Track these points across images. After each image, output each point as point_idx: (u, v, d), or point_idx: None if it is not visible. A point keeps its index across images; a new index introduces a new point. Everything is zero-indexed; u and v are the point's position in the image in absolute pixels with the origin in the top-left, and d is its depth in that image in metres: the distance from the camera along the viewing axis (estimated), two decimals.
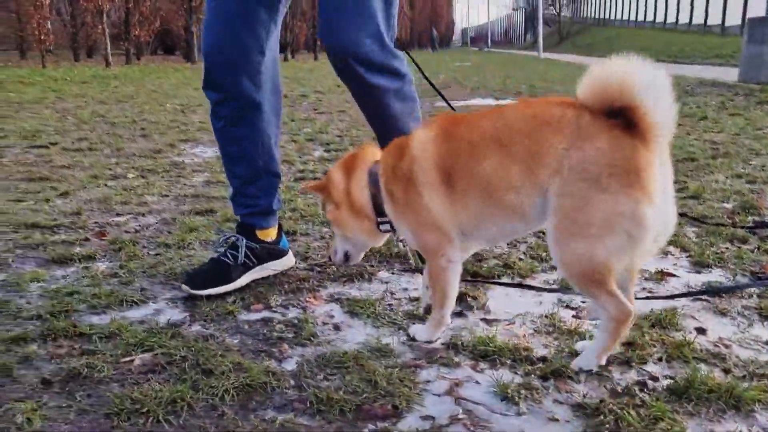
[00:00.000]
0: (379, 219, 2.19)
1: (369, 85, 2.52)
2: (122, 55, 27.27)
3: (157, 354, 2.08)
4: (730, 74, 14.54)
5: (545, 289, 2.63)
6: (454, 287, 2.13)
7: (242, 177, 2.70)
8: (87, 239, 3.34)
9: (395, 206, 2.10)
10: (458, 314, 2.44)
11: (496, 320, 2.39)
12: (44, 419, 1.74)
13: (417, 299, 2.56)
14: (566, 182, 1.77)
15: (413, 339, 2.19)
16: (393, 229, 2.21)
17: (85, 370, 1.98)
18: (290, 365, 2.05)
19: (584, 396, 1.85)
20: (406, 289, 2.67)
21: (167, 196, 4.36)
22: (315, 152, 6.23)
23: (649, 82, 1.70)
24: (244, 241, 2.68)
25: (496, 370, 2.01)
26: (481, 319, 2.40)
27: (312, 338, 2.23)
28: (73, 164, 5.41)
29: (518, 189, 1.84)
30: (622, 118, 1.72)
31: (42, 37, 22.63)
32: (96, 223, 3.66)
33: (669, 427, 1.66)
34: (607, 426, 1.70)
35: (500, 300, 2.56)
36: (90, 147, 6.30)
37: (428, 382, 1.96)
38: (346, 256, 2.36)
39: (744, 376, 1.93)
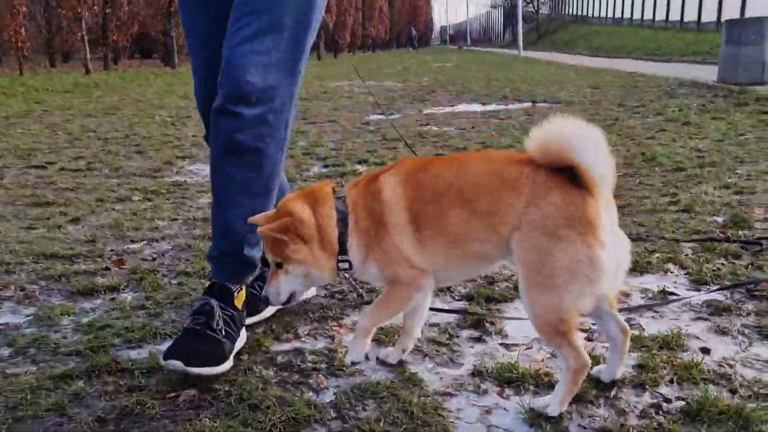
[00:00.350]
0: (340, 257, 2.16)
1: None
2: (99, 59, 27.12)
3: (200, 389, 2.20)
4: (708, 73, 14.86)
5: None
6: (403, 312, 2.27)
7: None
8: (107, 269, 3.44)
9: (365, 245, 2.13)
10: (477, 339, 2.59)
11: (514, 345, 2.53)
12: None
13: (437, 325, 2.70)
14: (527, 237, 1.92)
15: (346, 362, 2.32)
16: (350, 267, 2.19)
17: (137, 407, 2.09)
18: (328, 396, 2.18)
19: (606, 419, 2.00)
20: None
21: (176, 219, 4.46)
22: (313, 168, 6.34)
23: (585, 143, 1.88)
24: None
25: (522, 396, 2.16)
26: (500, 344, 2.55)
27: (344, 368, 2.36)
28: (75, 186, 5.48)
29: (482, 240, 2.01)
30: (569, 172, 1.90)
31: (19, 45, 22.50)
32: (112, 250, 3.76)
33: None
34: None
35: (515, 324, 2.70)
36: (88, 167, 6.37)
37: (459, 410, 2.10)
38: (290, 298, 2.21)
39: (750, 396, 2.09)
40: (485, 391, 2.20)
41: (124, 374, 2.33)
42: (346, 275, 2.72)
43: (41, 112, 11.18)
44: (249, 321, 2.63)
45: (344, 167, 6.21)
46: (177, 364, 2.14)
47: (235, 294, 2.44)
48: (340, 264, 2.17)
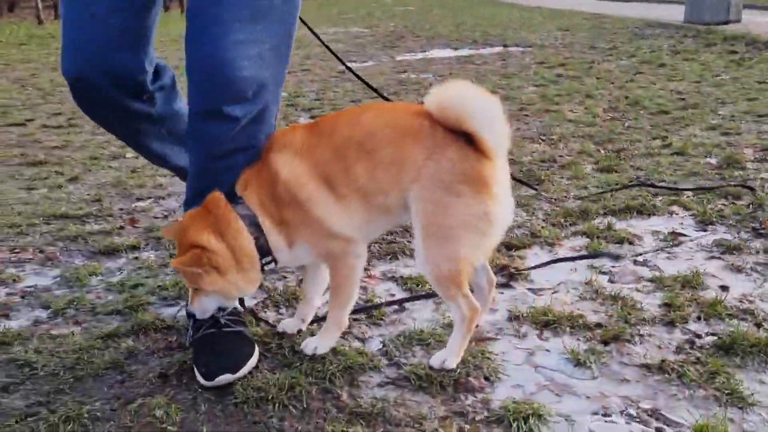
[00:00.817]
0: (263, 261, 2.04)
1: None
2: (51, 8, 25.97)
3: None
4: (672, 14, 14.98)
5: (567, 258, 2.90)
6: (358, 284, 2.17)
7: None
8: (122, 228, 3.43)
9: (287, 235, 2.03)
10: (505, 285, 2.68)
11: (541, 290, 2.64)
12: (180, 411, 1.91)
13: None
14: (425, 189, 1.96)
15: (311, 354, 2.16)
16: (275, 262, 2.08)
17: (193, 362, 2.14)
18: (375, 345, 2.26)
19: (644, 356, 2.13)
20: None
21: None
22: (300, 119, 6.30)
23: (481, 114, 1.92)
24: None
25: (561, 338, 2.27)
26: (528, 289, 2.65)
27: (384, 318, 2.44)
28: (63, 144, 5.37)
29: (386, 193, 2.00)
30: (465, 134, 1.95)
31: None
32: (122, 209, 3.73)
33: (726, 380, 1.95)
34: (673, 383, 1.98)
35: (538, 270, 2.81)
36: (70, 123, 6.21)
37: (504, 353, 2.20)
38: (220, 309, 2.12)
39: None
40: (525, 335, 2.31)
41: (171, 331, 2.37)
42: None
43: (2, 66, 10.76)
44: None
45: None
46: (226, 377, 1.98)
47: None
48: (265, 267, 2.05)
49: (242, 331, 2.16)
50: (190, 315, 2.12)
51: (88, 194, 3.99)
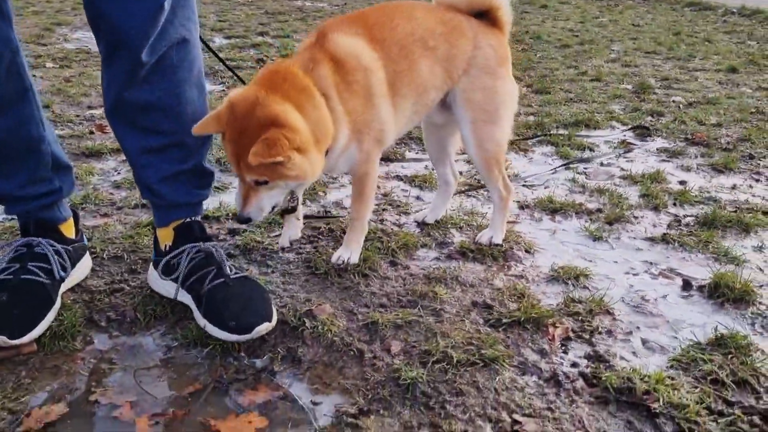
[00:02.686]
0: None
1: None
2: None
3: (307, 227, 2.36)
4: None
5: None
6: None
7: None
8: (92, 132, 3.29)
9: (349, 132, 1.88)
10: None
11: (533, 186, 2.95)
12: (267, 282, 2.00)
13: (461, 172, 3.01)
14: (474, 78, 2.09)
15: (344, 266, 2.08)
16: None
17: (251, 242, 2.22)
18: (414, 229, 2.45)
19: (646, 232, 2.50)
20: None
21: None
22: (216, 39, 6.11)
23: None
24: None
25: (571, 221, 2.59)
26: (523, 186, 2.95)
27: (409, 209, 2.63)
28: None
29: (438, 88, 2.06)
30: (487, 17, 2.13)
31: None
32: (78, 116, 3.54)
33: (718, 246, 2.37)
34: (677, 249, 2.37)
35: (519, 166, 3.11)
36: None
37: (530, 232, 2.48)
38: (273, 208, 1.85)
39: (736, 210, 2.70)
40: (540, 219, 2.60)
41: (209, 219, 2.40)
42: None
43: None
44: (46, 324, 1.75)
45: (250, 39, 6.07)
46: (263, 327, 1.72)
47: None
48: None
49: (249, 276, 1.89)
50: (244, 220, 1.80)
51: None
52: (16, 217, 1.97)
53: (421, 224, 2.45)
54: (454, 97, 2.13)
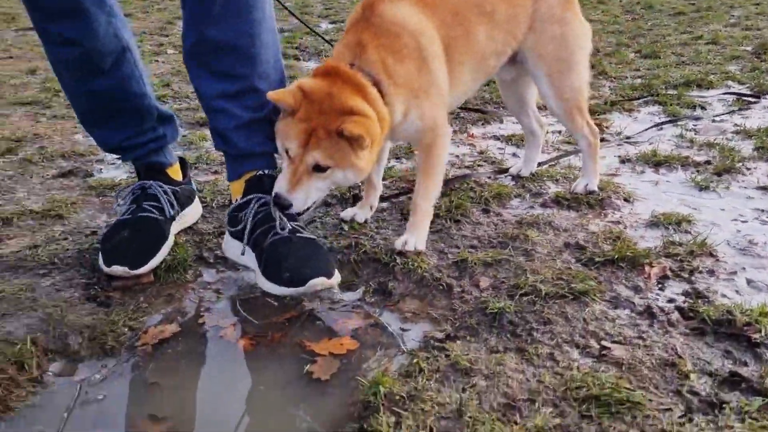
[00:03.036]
0: None
1: None
2: None
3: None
4: None
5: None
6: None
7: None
8: None
9: (405, 100, 1.78)
10: (602, 140, 2.88)
11: (638, 142, 2.85)
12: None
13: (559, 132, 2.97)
14: (541, 32, 2.02)
15: (413, 250, 1.88)
16: None
17: None
18: (508, 181, 2.45)
19: (759, 182, 2.36)
20: None
21: None
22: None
23: None
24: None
25: (676, 173, 2.49)
26: (625, 142, 2.86)
27: (504, 164, 2.62)
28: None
29: (499, 53, 1.99)
30: None
31: None
32: (192, 93, 3.78)
33: None
34: None
35: (622, 124, 3.02)
36: None
37: (631, 184, 2.41)
38: (314, 204, 1.78)
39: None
40: (643, 171, 2.53)
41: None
42: None
43: None
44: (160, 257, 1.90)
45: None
46: (319, 281, 1.66)
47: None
48: None
49: (314, 239, 1.81)
50: (285, 205, 1.70)
51: (154, 81, 4.01)
52: None
53: (516, 177, 2.44)
54: (524, 55, 2.07)
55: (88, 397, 1.43)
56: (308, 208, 1.74)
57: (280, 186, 1.69)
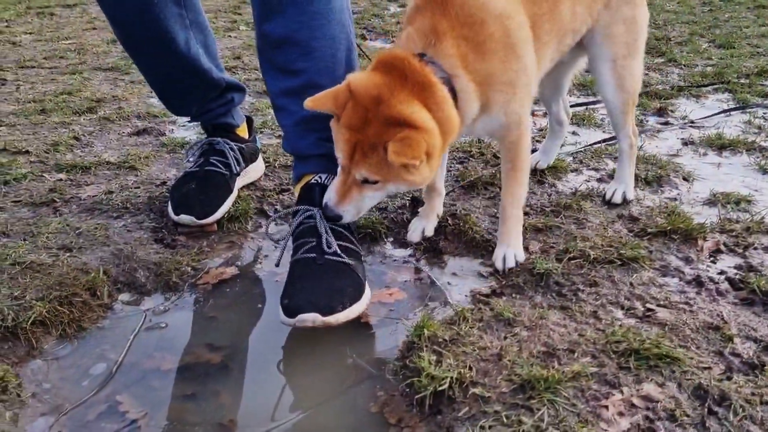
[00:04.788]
0: None
1: None
2: None
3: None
4: None
5: None
6: None
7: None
8: None
9: (482, 93, 1.54)
10: (665, 123, 2.85)
11: (703, 127, 2.80)
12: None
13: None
14: (615, 11, 1.88)
15: (504, 268, 1.71)
16: None
17: None
18: (562, 155, 2.45)
19: None
20: None
21: None
22: None
23: None
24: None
25: (740, 157, 2.44)
26: (690, 126, 2.81)
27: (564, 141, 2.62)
28: None
29: (575, 31, 1.83)
30: None
31: None
32: None
33: None
34: None
35: (687, 109, 2.96)
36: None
37: (691, 164, 2.37)
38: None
39: None
40: (705, 154, 2.49)
41: None
42: None
43: None
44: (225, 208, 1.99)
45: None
46: (309, 317, 1.43)
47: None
48: None
49: (350, 264, 1.58)
50: (333, 217, 1.55)
51: (227, 54, 4.14)
52: None
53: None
54: (592, 35, 1.92)
55: (152, 324, 1.54)
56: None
57: (330, 197, 1.53)
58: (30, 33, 4.70)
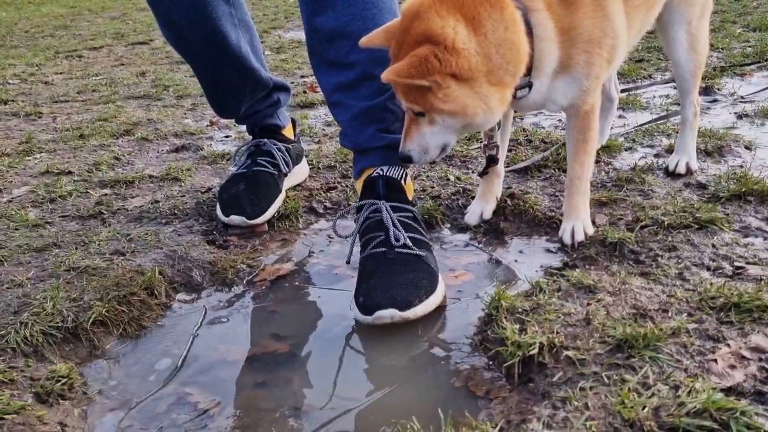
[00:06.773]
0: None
1: None
2: None
3: None
4: None
5: None
6: None
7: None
8: (305, 92, 3.59)
9: (564, 48, 1.40)
10: (713, 101, 2.75)
11: (753, 101, 2.70)
12: None
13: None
14: None
15: (574, 242, 1.60)
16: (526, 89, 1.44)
17: None
18: (613, 136, 2.37)
19: None
20: None
21: None
22: None
23: None
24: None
25: None
26: (740, 102, 2.71)
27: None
28: None
29: None
30: None
31: None
32: (292, 83, 3.89)
33: None
34: None
35: (734, 87, 2.87)
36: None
37: (750, 134, 2.28)
38: (443, 150, 1.45)
39: None
40: (762, 123, 2.40)
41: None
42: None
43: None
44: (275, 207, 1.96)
45: None
46: (387, 313, 1.37)
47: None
48: (518, 92, 1.42)
49: (421, 256, 1.51)
50: (404, 158, 1.45)
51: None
52: None
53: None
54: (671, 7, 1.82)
55: (214, 319, 1.48)
56: (443, 152, 1.44)
57: (401, 140, 1.45)
58: (60, 73, 4.76)
